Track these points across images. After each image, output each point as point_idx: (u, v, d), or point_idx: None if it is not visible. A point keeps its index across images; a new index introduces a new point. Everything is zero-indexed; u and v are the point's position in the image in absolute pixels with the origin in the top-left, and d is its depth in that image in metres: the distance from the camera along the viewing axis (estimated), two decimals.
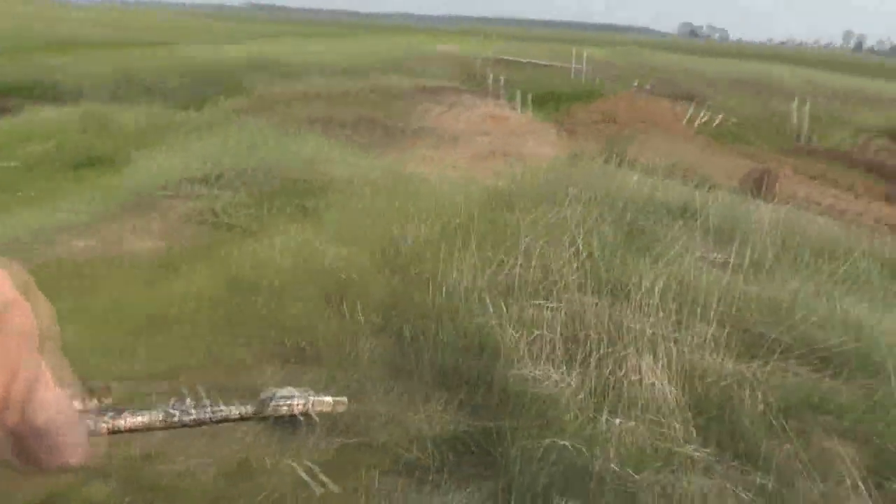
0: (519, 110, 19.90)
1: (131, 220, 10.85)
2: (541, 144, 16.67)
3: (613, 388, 4.53)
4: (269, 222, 10.10)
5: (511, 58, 28.30)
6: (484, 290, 5.46)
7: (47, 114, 20.18)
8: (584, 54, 26.81)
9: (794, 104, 24.28)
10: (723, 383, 4.79)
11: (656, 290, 5.37)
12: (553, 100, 22.49)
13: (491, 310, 5.18)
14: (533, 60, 29.08)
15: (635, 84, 25.73)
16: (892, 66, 65.72)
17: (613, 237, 6.53)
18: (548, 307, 5.27)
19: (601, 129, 19.19)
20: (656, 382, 4.44)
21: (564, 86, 24.54)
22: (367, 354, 5.44)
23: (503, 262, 5.93)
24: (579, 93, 24.00)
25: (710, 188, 12.36)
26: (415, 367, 5.23)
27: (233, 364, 6.00)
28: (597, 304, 5.33)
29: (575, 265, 5.76)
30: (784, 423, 4.41)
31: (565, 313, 5.26)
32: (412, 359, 5.28)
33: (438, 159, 14.50)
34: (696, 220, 7.27)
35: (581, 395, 4.44)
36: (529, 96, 20.13)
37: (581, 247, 5.95)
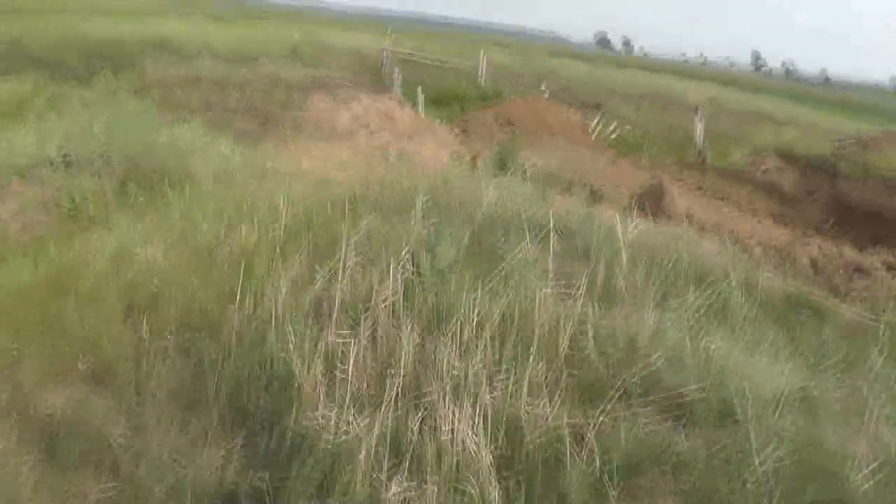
0: (419, 109, 19.20)
1: None
2: (431, 145, 15.99)
3: (418, 441, 3.84)
4: (115, 214, 9.18)
5: (412, 54, 27.50)
6: (295, 313, 4.70)
7: None
8: (486, 56, 26.16)
9: (696, 119, 24.27)
10: (551, 436, 4.15)
11: (488, 322, 4.72)
12: (454, 100, 21.89)
13: (291, 338, 4.42)
14: (436, 58, 28.37)
15: (541, 89, 25.34)
16: (792, 88, 67.58)
17: (454, 255, 5.84)
18: (357, 338, 4.50)
19: (498, 132, 18.66)
20: (467, 437, 3.76)
21: (467, 87, 23.93)
22: (159, 381, 4.63)
23: (327, 279, 5.15)
24: (481, 95, 23.43)
25: (594, 199, 11.92)
26: (207, 400, 4.47)
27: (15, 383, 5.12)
28: (416, 336, 4.64)
29: (398, 288, 5.02)
30: (621, 483, 3.83)
31: (380, 346, 4.57)
32: (207, 390, 4.52)
33: (318, 154, 13.68)
34: (559, 237, 6.64)
35: (379, 449, 3.73)
36: (423, 96, 19.46)
37: (410, 266, 5.25)
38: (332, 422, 3.89)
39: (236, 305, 4.88)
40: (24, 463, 4.33)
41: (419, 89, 19.50)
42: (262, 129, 14.97)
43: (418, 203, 6.26)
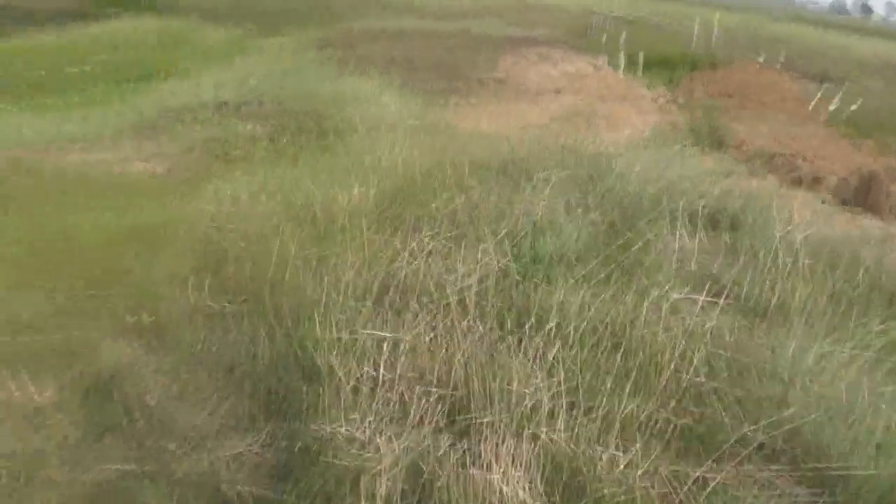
0: (620, 72, 17.85)
1: (143, 140, 9.99)
2: (630, 111, 14.73)
3: (451, 476, 3.03)
4: (262, 160, 8.96)
5: (625, 15, 25.74)
6: (353, 294, 4.00)
7: (132, 24, 19.71)
8: (704, 20, 23.96)
9: None
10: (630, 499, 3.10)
11: (587, 332, 3.76)
12: (666, 66, 20.24)
13: (333, 325, 3.72)
14: (652, 20, 26.44)
15: (761, 58, 22.93)
16: None
17: (572, 242, 4.81)
18: (399, 336, 3.69)
19: (707, 100, 16.98)
20: (515, 482, 2.89)
21: (680, 53, 22.06)
22: (206, 348, 4.14)
23: (395, 259, 4.38)
24: (694, 61, 21.55)
25: (793, 184, 10.35)
26: (245, 380, 3.92)
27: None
28: (485, 341, 3.77)
29: (486, 277, 4.13)
30: None
31: (437, 347, 3.75)
32: (247, 368, 3.96)
33: (500, 114, 12.91)
34: (716, 229, 5.43)
35: (396, 480, 2.97)
36: (641, 56, 18.03)
37: (509, 251, 4.36)
38: (351, 434, 3.20)
39: (300, 276, 4.27)
40: (61, 421, 4.01)
41: (624, 51, 18.16)
42: (447, 86, 14.39)
43: (544, 174, 5.31)
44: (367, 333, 3.62)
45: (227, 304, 4.35)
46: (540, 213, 5.05)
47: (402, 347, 3.64)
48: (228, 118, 10.42)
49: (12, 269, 6.10)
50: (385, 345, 3.58)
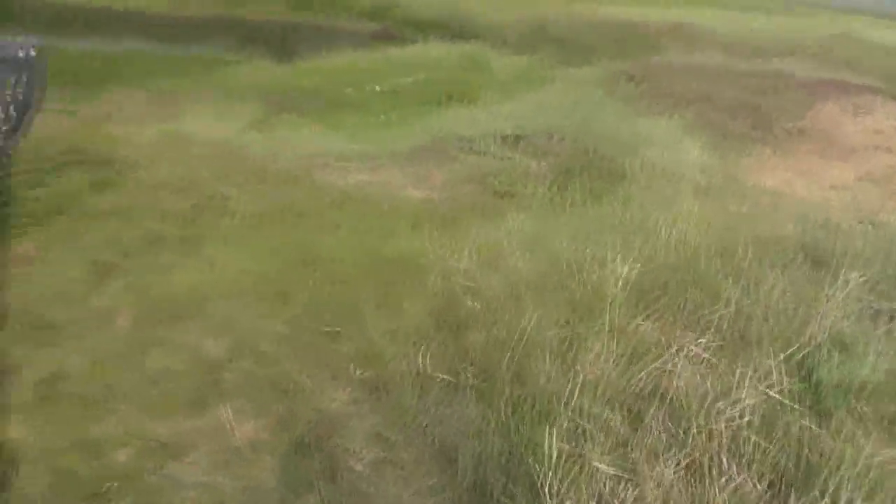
0: None
1: (424, 166, 10.04)
2: None
3: None
4: (537, 201, 8.55)
5: None
6: (598, 400, 3.36)
7: (436, 49, 20.33)
8: None
9: None
10: None
11: None
12: None
13: (551, 440, 3.11)
14: None
15: None
16: None
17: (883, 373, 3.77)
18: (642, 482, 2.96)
19: None
20: None
21: None
22: (428, 419, 3.75)
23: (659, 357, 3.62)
24: None
25: None
26: (457, 470, 3.45)
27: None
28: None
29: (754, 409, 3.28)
30: None
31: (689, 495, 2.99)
32: (456, 455, 3.49)
33: (809, 171, 11.61)
34: None
35: None
36: None
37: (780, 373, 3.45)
38: None
39: (545, 359, 3.70)
40: (255, 463, 3.82)
41: None
42: (746, 132, 13.21)
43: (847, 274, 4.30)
44: (602, 470, 3.00)
45: (457, 378, 3.93)
46: (836, 324, 4.08)
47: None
48: (513, 151, 10.16)
49: (258, 282, 6.19)
50: (623, 488, 2.91)
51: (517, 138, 10.27)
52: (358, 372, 4.27)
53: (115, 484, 3.97)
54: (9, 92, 13.01)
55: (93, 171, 8.98)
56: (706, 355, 3.42)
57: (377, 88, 16.84)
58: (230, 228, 7.64)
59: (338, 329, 4.96)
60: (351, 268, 6.40)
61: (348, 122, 14.09)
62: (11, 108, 11.72)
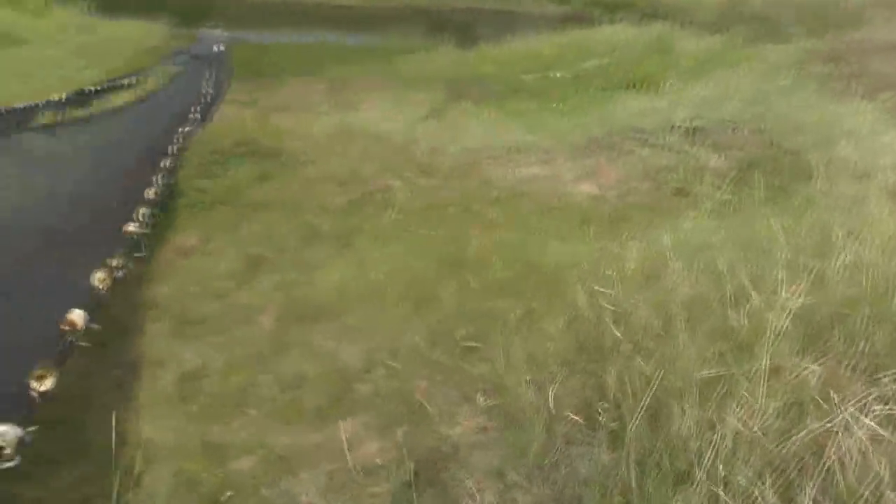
0: None
1: (597, 159, 9.51)
2: None
3: None
4: (719, 202, 7.82)
5: None
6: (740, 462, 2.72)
7: (620, 30, 19.49)
8: None
9: None
10: None
11: None
12: None
13: None
14: None
15: None
16: None
17: None
18: None
19: None
20: None
21: None
22: (556, 464, 3.31)
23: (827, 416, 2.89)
24: None
25: None
26: None
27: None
28: None
29: None
30: None
31: None
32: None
33: None
34: None
35: None
36: None
37: None
38: None
39: (692, 405, 3.09)
40: (365, 489, 3.54)
41: None
42: None
43: None
44: None
45: (590, 417, 3.44)
46: None
47: None
48: (692, 144, 9.37)
49: (404, 285, 5.91)
50: None
51: (697, 130, 9.47)
52: (486, 400, 3.87)
53: (232, 494, 3.81)
54: (203, 86, 13.61)
55: (260, 162, 9.09)
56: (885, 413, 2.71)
57: (557, 74, 16.32)
58: (387, 225, 7.46)
59: (476, 345, 4.59)
60: (502, 273, 6.02)
61: (524, 109, 13.70)
62: (204, 101, 12.21)
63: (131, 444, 4.07)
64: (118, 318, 5.46)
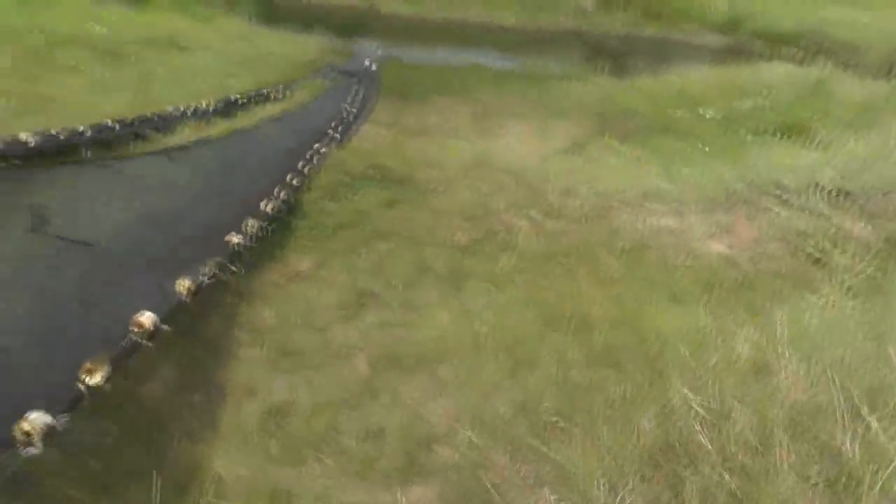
0: None
1: (729, 214, 9.04)
2: None
3: None
4: (846, 278, 7.23)
5: None
6: None
7: (779, 68, 18.58)
8: None
9: None
10: None
11: None
12: None
13: None
14: None
15: None
16: None
17: None
18: None
19: None
20: None
21: None
22: None
23: None
24: None
25: None
26: None
27: None
28: None
29: None
30: None
31: None
32: None
33: None
34: None
35: None
36: None
37: None
38: None
39: None
40: None
41: None
42: None
43: None
44: None
45: None
46: None
47: None
48: (837, 209, 8.71)
49: (505, 342, 5.73)
50: None
51: (845, 192, 8.79)
52: (553, 496, 3.64)
53: None
54: (348, 104, 13.81)
55: (391, 188, 9.10)
56: None
57: (708, 114, 15.71)
58: (502, 269, 7.30)
59: (562, 424, 4.36)
60: (609, 336, 5.76)
61: (667, 150, 13.24)
62: (346, 119, 12.37)
63: (194, 472, 4.06)
64: (210, 337, 5.52)
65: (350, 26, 25.18)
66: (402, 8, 27.22)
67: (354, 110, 13.29)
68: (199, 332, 5.49)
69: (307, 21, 24.47)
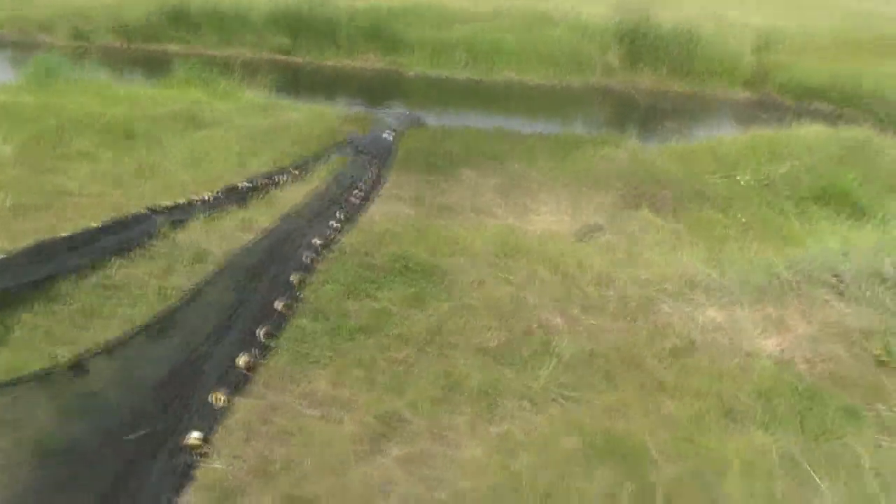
0: None
1: (779, 306, 8.35)
2: None
3: None
4: None
5: None
6: None
7: (812, 129, 17.93)
8: None
9: None
10: None
11: None
12: None
13: None
14: None
15: None
16: None
17: None
18: None
19: None
20: None
21: None
22: None
23: None
24: None
25: None
26: None
27: None
28: None
29: None
30: None
31: None
32: None
33: None
34: None
35: None
36: None
37: None
38: None
39: None
40: None
41: None
42: None
43: None
44: None
45: None
46: None
47: None
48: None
49: (550, 481, 5.12)
50: None
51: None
52: None
53: None
54: (367, 180, 13.25)
55: (415, 284, 8.50)
56: None
57: (741, 180, 15.09)
58: (538, 381, 6.67)
59: None
60: (664, 470, 5.10)
61: (706, 221, 12.59)
62: (351, 203, 11.79)
63: None
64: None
65: (375, 90, 24.95)
66: (428, 69, 26.98)
67: (376, 187, 12.77)
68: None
69: (331, 87, 24.26)
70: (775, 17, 34.51)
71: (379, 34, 29.09)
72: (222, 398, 5.96)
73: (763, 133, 18.19)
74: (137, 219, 9.49)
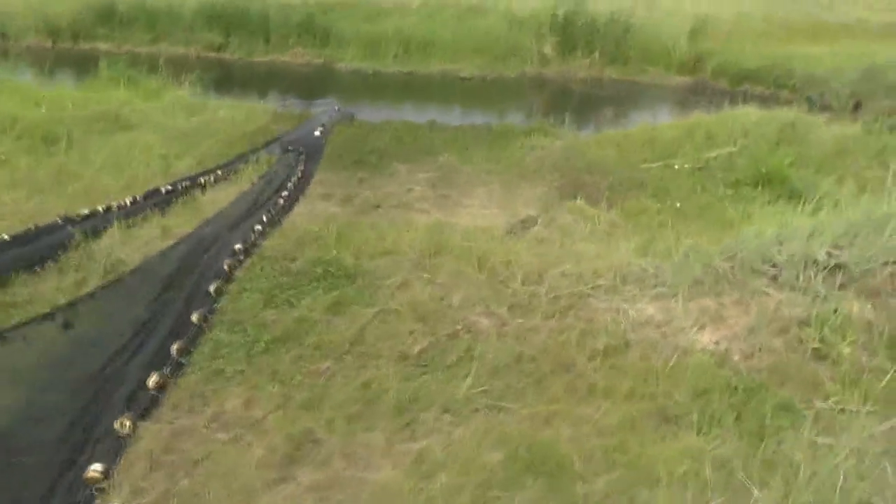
0: None
1: (713, 298, 8.06)
2: None
3: None
4: (858, 376, 6.35)
5: None
6: None
7: (746, 112, 17.83)
8: None
9: None
10: None
11: None
12: None
13: None
14: None
15: None
16: None
17: None
18: None
19: None
20: None
21: None
22: None
23: None
24: None
25: None
26: None
27: None
28: None
29: None
30: None
31: None
32: None
33: None
34: None
35: None
36: None
37: None
38: None
39: None
40: None
41: None
42: None
43: None
44: None
45: None
46: None
47: None
48: (832, 286, 7.76)
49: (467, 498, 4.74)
50: None
51: (837, 266, 7.83)
52: None
53: None
54: (294, 180, 12.75)
55: (336, 288, 8.05)
56: None
57: (676, 166, 14.90)
58: (461, 390, 6.28)
59: None
60: (590, 483, 4.75)
61: (642, 210, 12.33)
62: (277, 206, 11.29)
63: None
64: None
65: (307, 85, 24.35)
66: (361, 63, 26.47)
67: (301, 186, 12.27)
68: None
69: (262, 83, 23.62)
70: (709, 4, 34.70)
71: (311, 28, 28.53)
72: (128, 424, 5.47)
73: (699, 118, 18.07)
74: (49, 229, 8.90)
